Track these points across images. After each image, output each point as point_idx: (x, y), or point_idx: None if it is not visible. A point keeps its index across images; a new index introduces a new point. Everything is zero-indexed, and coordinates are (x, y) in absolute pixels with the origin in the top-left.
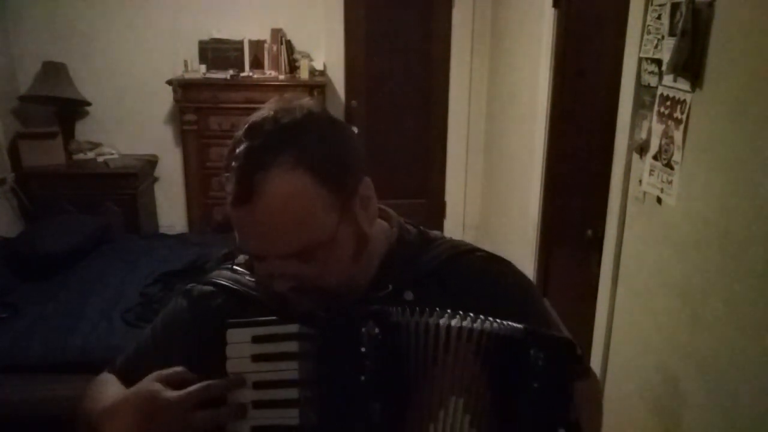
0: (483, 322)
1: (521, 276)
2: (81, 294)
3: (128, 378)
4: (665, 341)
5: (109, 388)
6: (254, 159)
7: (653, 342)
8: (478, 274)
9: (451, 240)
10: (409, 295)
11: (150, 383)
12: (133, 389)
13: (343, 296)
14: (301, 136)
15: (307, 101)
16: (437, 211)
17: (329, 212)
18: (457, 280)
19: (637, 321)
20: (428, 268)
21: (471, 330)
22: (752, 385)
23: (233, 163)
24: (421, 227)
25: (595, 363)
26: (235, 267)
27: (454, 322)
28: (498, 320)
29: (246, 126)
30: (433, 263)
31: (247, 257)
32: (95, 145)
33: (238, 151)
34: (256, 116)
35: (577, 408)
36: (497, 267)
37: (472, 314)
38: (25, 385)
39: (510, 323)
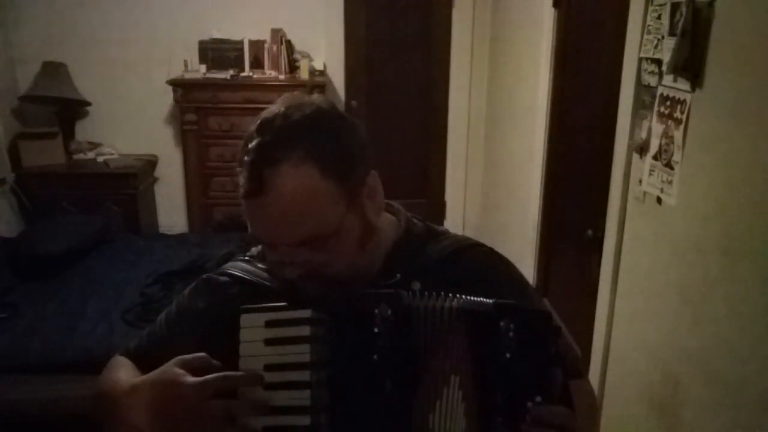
0: (453, 299)
1: (520, 274)
2: (81, 294)
3: (141, 362)
4: (665, 341)
5: (126, 371)
6: (264, 154)
7: (653, 342)
8: (482, 268)
9: (456, 235)
10: (416, 286)
11: (172, 368)
12: (156, 372)
13: (349, 284)
14: (309, 132)
15: (316, 97)
16: (437, 211)
17: (336, 203)
18: (461, 272)
19: (637, 321)
20: (434, 259)
21: (450, 309)
22: (752, 385)
23: (245, 158)
24: (428, 222)
25: (595, 363)
26: (248, 257)
27: (453, 303)
28: (469, 296)
29: (258, 122)
30: (438, 255)
31: (260, 248)
32: (95, 145)
33: (250, 146)
34: (267, 112)
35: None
36: (499, 263)
37: (458, 294)
38: (25, 385)
39: (482, 299)
